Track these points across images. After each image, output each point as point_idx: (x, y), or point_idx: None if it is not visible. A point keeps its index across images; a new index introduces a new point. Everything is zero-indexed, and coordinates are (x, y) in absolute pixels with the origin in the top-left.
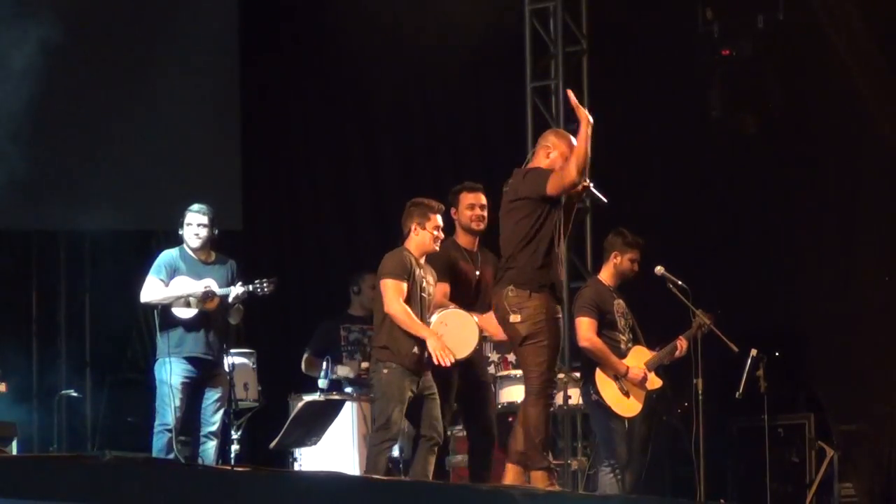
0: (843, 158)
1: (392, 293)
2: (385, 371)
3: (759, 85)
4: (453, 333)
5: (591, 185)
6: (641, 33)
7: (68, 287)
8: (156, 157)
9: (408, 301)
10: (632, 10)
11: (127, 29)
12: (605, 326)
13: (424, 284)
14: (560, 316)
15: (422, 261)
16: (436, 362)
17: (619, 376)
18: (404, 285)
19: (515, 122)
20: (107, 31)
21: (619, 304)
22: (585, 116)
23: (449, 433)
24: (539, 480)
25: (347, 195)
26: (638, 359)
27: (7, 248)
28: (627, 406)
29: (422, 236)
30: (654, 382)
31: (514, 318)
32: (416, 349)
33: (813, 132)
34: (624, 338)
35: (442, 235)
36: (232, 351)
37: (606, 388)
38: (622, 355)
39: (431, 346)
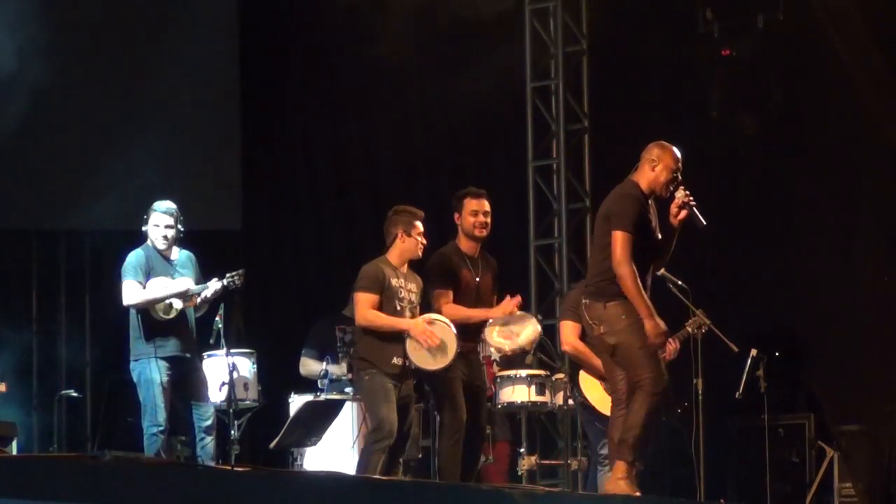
0: (843, 158)
1: (362, 305)
2: (367, 378)
3: (759, 85)
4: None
5: (694, 204)
6: (641, 33)
7: (68, 287)
8: (156, 157)
9: (380, 311)
10: (632, 9)
11: (127, 29)
12: None
13: (403, 294)
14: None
15: (403, 269)
16: (424, 343)
17: (602, 378)
18: (376, 297)
19: (515, 122)
20: (108, 31)
21: None
22: (650, 332)
23: None
24: (618, 469)
25: (347, 195)
26: None
27: (7, 248)
28: None
29: (408, 243)
30: None
31: (598, 329)
32: (395, 359)
33: (813, 132)
34: None
35: (425, 242)
36: (232, 351)
37: (591, 389)
38: None
39: (414, 332)
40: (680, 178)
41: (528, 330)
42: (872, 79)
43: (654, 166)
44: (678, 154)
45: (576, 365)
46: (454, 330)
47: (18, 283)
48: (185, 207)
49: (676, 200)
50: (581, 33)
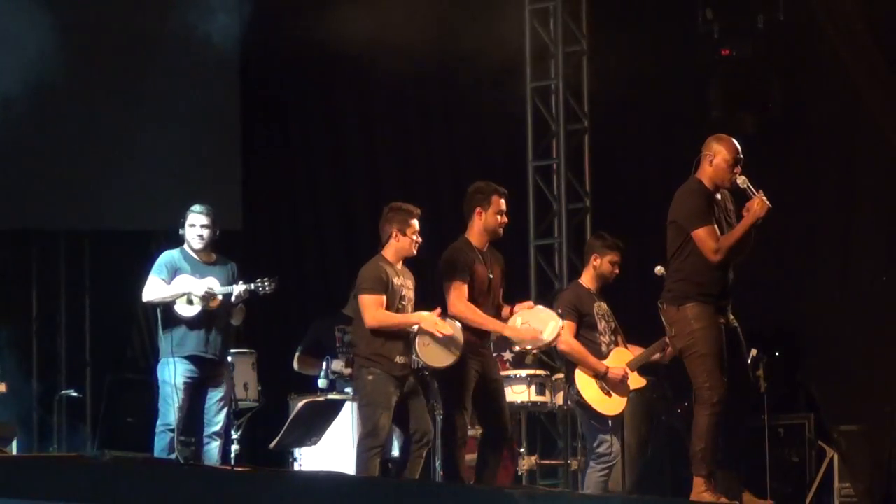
0: (843, 158)
1: (372, 307)
2: (370, 378)
3: (759, 85)
4: (438, 341)
5: (751, 188)
6: (641, 33)
7: (68, 287)
8: (156, 157)
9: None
10: (632, 10)
11: (128, 30)
12: (585, 328)
13: (404, 292)
14: (720, 322)
15: (398, 266)
16: (436, 333)
17: (599, 377)
18: (382, 298)
19: (515, 123)
20: (108, 32)
21: (601, 307)
22: (757, 210)
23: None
24: (698, 486)
25: (347, 195)
26: (619, 360)
27: (7, 248)
28: (610, 405)
29: (402, 242)
30: (637, 382)
31: (670, 332)
32: (398, 358)
33: (813, 132)
34: (605, 339)
35: (420, 240)
36: (232, 351)
37: (587, 388)
38: (603, 357)
39: (426, 325)
40: (740, 167)
41: (551, 325)
42: (872, 79)
43: (712, 160)
44: (737, 144)
45: (571, 364)
46: (457, 325)
47: (18, 283)
48: (184, 207)
49: (751, 200)
50: (581, 33)
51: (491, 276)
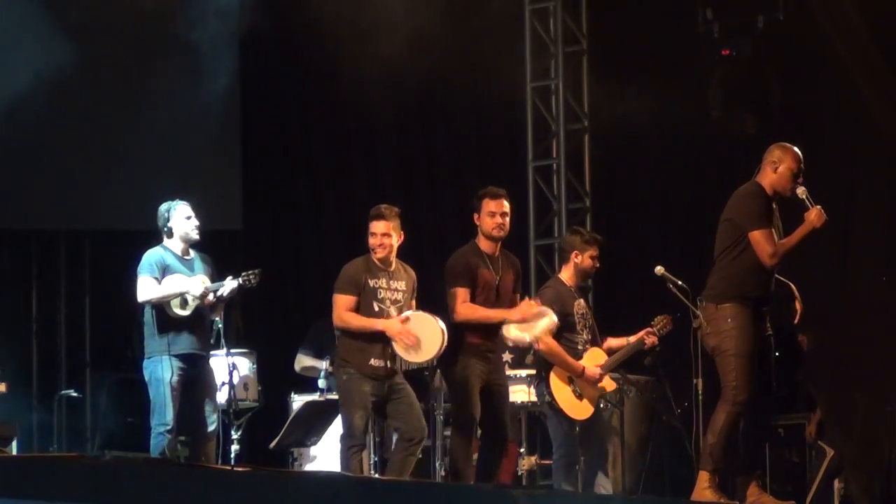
0: (842, 158)
1: (339, 308)
2: (344, 377)
3: (759, 85)
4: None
5: (809, 201)
6: (641, 33)
7: (68, 287)
8: (156, 157)
9: (359, 311)
10: (632, 9)
11: (128, 30)
12: (565, 329)
13: (383, 294)
14: (756, 326)
15: (391, 267)
16: (401, 343)
17: (575, 377)
18: (353, 299)
19: (515, 122)
20: (108, 32)
21: (580, 304)
22: (815, 221)
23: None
24: (702, 480)
25: (347, 195)
26: (593, 361)
27: (7, 248)
28: (580, 409)
29: (369, 243)
30: (608, 385)
31: (706, 329)
32: (373, 360)
33: (813, 132)
34: (582, 338)
35: (381, 241)
36: (232, 351)
37: (560, 390)
38: (578, 357)
39: (390, 333)
40: (802, 178)
41: (545, 321)
42: (872, 78)
43: (776, 167)
44: (799, 154)
45: (546, 363)
46: (440, 324)
47: (18, 283)
48: None
49: (808, 210)
50: (581, 33)
51: (499, 280)
